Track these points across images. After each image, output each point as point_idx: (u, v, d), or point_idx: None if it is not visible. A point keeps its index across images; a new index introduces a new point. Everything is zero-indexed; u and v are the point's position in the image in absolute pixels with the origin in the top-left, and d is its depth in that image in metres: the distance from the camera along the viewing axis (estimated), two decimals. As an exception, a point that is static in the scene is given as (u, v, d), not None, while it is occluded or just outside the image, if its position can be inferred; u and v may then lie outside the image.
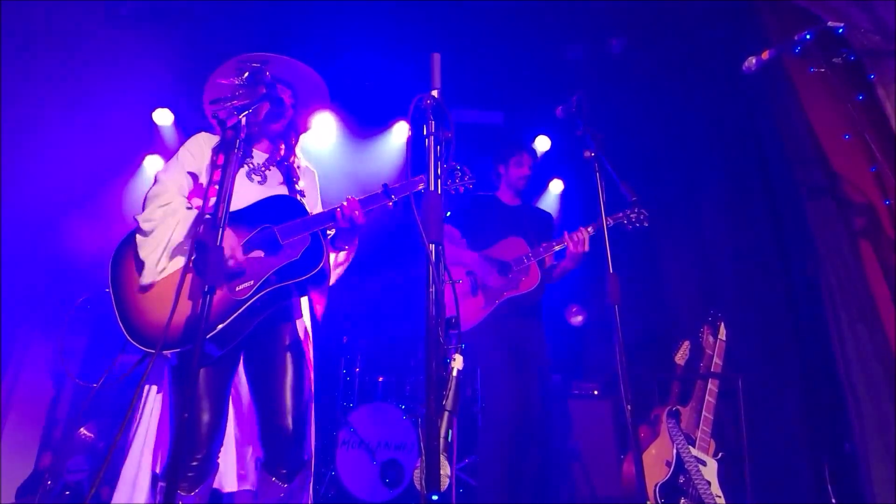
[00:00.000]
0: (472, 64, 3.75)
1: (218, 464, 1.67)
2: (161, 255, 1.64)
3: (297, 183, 1.93)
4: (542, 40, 3.61)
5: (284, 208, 1.80)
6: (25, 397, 3.81)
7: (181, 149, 1.86)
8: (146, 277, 1.62)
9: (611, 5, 3.30)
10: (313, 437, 1.79)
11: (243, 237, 1.71)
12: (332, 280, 1.96)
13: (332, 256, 1.95)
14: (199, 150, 1.85)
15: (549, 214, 3.21)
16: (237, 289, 1.63)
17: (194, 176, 1.82)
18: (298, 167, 2.01)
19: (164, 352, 1.54)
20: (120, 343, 1.61)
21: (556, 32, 3.55)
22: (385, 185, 1.84)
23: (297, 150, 2.06)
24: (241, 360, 1.79)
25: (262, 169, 1.91)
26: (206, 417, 1.60)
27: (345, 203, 1.80)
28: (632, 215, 2.69)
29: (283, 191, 1.90)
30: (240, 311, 1.60)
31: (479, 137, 4.23)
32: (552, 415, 2.79)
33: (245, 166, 1.89)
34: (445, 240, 2.81)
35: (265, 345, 1.77)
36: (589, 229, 2.67)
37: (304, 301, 1.94)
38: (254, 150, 1.95)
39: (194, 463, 1.57)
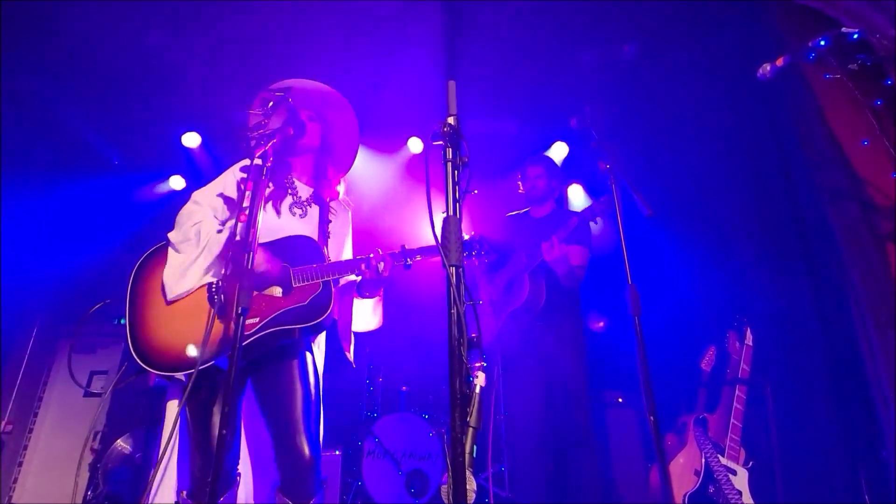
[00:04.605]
0: (485, 72, 3.78)
1: (239, 473, 1.69)
2: (185, 273, 1.68)
3: (330, 224, 1.98)
4: (557, 47, 3.62)
5: (306, 251, 1.81)
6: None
7: (228, 171, 1.92)
8: (169, 293, 1.68)
9: (624, 11, 3.31)
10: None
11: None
12: (373, 325, 2.05)
13: (368, 304, 2.00)
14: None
15: (571, 214, 3.10)
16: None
17: (230, 201, 1.87)
18: (336, 200, 2.06)
19: (176, 374, 1.61)
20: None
21: (569, 39, 3.56)
22: (403, 247, 1.89)
23: (340, 184, 2.11)
24: (250, 385, 1.79)
25: (306, 204, 1.97)
26: (216, 433, 1.60)
27: (371, 256, 1.83)
28: (596, 208, 2.53)
29: (316, 229, 1.93)
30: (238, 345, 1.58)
31: (496, 146, 4.27)
32: (592, 436, 2.60)
33: (289, 197, 1.94)
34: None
35: (273, 371, 1.76)
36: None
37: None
38: (297, 181, 2.00)
39: (209, 478, 1.59)
